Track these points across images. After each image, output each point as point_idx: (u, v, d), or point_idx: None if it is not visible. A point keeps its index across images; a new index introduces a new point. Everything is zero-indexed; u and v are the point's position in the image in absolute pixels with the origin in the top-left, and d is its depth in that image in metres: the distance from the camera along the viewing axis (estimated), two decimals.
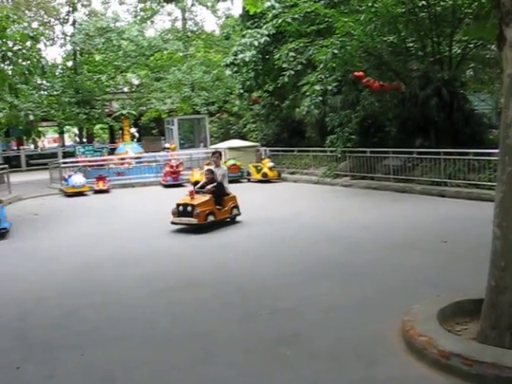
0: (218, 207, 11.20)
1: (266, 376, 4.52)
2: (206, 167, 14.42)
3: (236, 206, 11.81)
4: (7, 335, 5.81)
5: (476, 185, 13.36)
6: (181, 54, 34.05)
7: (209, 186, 11.38)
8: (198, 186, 11.94)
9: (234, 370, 4.65)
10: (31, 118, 14.25)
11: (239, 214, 11.84)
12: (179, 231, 10.99)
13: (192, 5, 35.44)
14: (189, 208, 10.79)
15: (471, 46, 16.16)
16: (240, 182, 19.91)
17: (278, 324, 5.64)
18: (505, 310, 4.58)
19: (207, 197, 11.10)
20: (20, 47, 13.12)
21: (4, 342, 5.63)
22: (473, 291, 5.59)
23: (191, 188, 12.53)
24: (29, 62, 13.32)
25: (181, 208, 10.97)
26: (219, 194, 11.35)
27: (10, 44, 12.69)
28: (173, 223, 10.98)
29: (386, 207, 12.88)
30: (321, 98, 16.34)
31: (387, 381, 4.35)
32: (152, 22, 36.76)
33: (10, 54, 12.47)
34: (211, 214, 10.95)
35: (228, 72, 22.75)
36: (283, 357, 4.84)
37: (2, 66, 13.32)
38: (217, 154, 12.32)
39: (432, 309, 5.25)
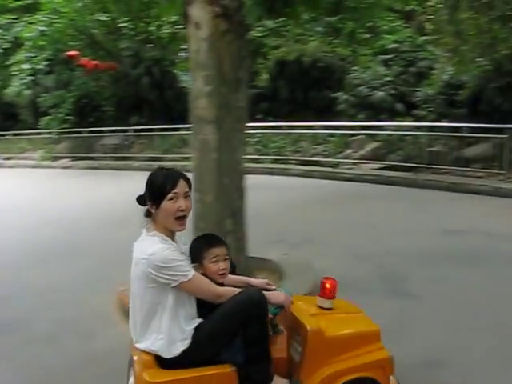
0: None
1: None
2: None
3: None
4: None
5: (188, 158, 14.09)
6: None
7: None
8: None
9: None
10: None
11: None
12: None
13: None
14: None
15: (180, 26, 16.80)
16: None
17: None
18: None
19: None
20: None
21: None
22: None
23: None
24: None
25: None
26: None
27: None
28: None
29: (105, 186, 12.99)
30: (32, 78, 15.75)
31: (102, 351, 4.43)
32: None
33: None
34: None
35: None
36: None
37: None
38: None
39: None
